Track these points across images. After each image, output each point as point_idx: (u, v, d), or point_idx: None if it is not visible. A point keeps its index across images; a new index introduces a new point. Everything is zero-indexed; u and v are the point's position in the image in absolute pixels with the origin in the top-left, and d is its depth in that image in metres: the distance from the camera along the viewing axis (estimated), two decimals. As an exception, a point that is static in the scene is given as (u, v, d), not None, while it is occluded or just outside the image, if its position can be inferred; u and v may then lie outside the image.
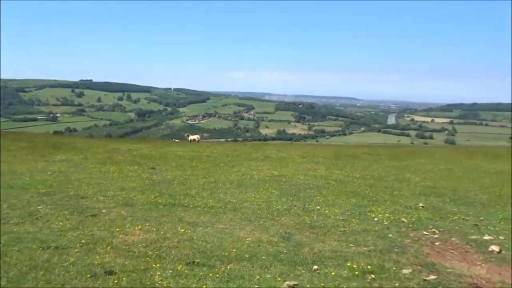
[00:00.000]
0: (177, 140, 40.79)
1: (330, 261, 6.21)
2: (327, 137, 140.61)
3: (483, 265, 6.30)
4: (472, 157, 24.22)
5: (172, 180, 13.79)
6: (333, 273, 5.65)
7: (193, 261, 6.01)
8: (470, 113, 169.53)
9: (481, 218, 9.26)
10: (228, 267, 5.84)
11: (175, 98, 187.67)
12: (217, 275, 5.53)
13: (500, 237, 7.66)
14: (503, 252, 6.81)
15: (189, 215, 9.05)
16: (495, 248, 6.90)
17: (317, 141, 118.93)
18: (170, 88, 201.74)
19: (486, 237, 7.63)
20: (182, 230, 7.70)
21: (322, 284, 5.29)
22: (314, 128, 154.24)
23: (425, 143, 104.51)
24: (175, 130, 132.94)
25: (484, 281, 5.66)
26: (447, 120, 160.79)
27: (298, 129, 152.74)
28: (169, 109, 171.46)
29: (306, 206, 10.26)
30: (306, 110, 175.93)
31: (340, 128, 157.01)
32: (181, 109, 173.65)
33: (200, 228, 7.96)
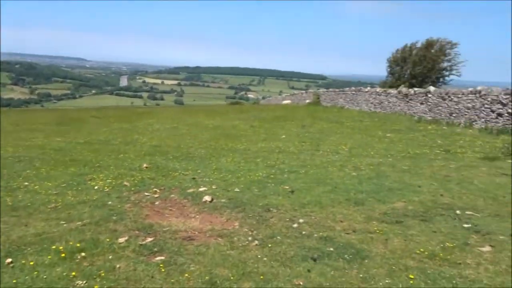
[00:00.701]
0: None
1: (32, 247, 5.13)
2: (54, 101, 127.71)
3: (197, 216, 6.59)
4: (194, 115, 26.28)
5: None
6: (31, 263, 4.64)
7: None
8: (195, 75, 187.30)
9: (199, 171, 9.86)
10: None
11: None
12: None
13: (213, 187, 8.29)
14: (214, 200, 7.34)
15: None
16: (207, 198, 7.37)
17: (42, 106, 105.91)
18: None
19: (202, 189, 8.11)
20: None
21: (14, 281, 4.23)
22: (37, 92, 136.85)
23: (157, 104, 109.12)
24: None
25: (197, 232, 5.87)
26: (176, 82, 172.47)
27: (17, 93, 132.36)
28: None
29: (10, 184, 8.48)
30: (26, 71, 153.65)
31: (69, 91, 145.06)
32: None
33: None
